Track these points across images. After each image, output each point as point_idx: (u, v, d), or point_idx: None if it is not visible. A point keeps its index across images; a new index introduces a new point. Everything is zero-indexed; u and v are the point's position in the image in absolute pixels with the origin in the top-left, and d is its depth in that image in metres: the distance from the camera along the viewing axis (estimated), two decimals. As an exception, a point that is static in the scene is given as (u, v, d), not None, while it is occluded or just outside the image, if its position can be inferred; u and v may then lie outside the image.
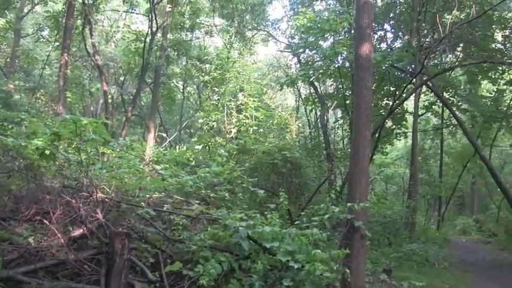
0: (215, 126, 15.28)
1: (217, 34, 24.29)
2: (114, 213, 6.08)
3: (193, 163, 11.64)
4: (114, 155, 8.77)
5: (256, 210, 6.70)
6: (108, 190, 6.34)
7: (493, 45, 18.36)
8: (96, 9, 19.23)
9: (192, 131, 29.19)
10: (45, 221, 5.35)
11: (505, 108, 20.29)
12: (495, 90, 21.02)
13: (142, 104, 27.66)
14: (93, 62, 19.96)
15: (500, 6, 16.98)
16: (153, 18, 19.24)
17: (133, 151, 9.73)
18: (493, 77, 20.15)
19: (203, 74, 21.41)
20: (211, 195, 7.62)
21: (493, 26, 17.82)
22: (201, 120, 16.16)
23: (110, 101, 21.93)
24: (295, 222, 7.56)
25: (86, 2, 17.68)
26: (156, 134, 20.66)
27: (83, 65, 25.10)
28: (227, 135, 14.80)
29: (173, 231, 6.32)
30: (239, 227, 5.66)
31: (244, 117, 14.87)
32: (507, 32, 18.56)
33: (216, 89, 16.45)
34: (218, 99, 15.95)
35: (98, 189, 5.97)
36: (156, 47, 20.79)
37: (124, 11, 25.34)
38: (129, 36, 22.18)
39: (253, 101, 15.10)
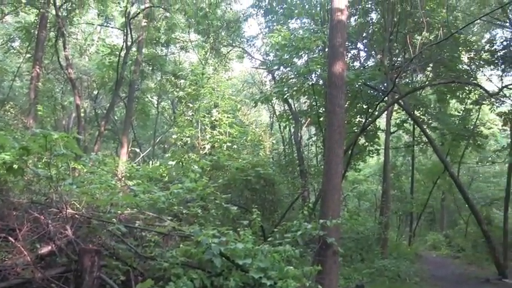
0: (189, 142, 15.20)
1: (193, 50, 24.32)
2: (84, 229, 5.93)
3: (166, 179, 11.53)
4: (85, 170, 8.62)
5: (229, 227, 6.66)
6: (78, 206, 6.21)
7: (460, 66, 18.97)
8: (70, 22, 19.04)
9: (165, 146, 29.00)
10: (10, 238, 5.15)
11: (471, 127, 20.89)
12: (462, 109, 21.61)
13: (116, 118, 27.38)
14: (66, 75, 19.70)
15: (466, 29, 17.60)
16: (128, 32, 19.19)
17: (106, 166, 9.58)
18: (460, 96, 20.82)
19: (178, 89, 21.39)
20: (184, 211, 7.56)
21: (460, 48, 18.44)
22: (174, 136, 16.04)
23: (82, 115, 21.65)
24: (268, 239, 7.56)
25: (60, 14, 17.49)
26: (129, 149, 20.44)
27: (55, 78, 24.75)
28: (201, 151, 14.74)
29: (145, 248, 6.22)
30: (212, 244, 5.62)
31: (218, 133, 14.84)
32: (472, 54, 19.24)
33: (191, 105, 16.40)
34: (192, 114, 15.90)
35: (67, 205, 5.83)
36: (130, 62, 20.68)
37: (99, 25, 25.17)
38: (103, 50, 22.01)
39: (228, 117, 15.12)
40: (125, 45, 19.52)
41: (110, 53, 21.27)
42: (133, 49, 20.50)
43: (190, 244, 5.95)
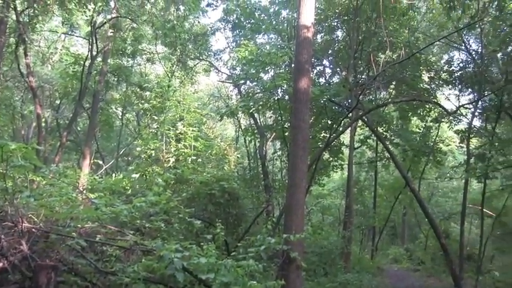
0: (153, 154, 15.03)
1: (159, 62, 24.19)
2: (41, 244, 5.74)
3: (129, 192, 11.36)
4: (45, 182, 8.40)
5: (192, 241, 6.61)
6: (36, 220, 6.02)
7: (421, 85, 19.60)
8: (32, 29, 18.60)
9: (129, 158, 28.55)
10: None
11: (431, 144, 21.51)
12: (423, 126, 22.23)
13: (79, 129, 26.86)
14: (27, 83, 19.20)
15: (426, 50, 18.24)
16: (94, 42, 18.92)
17: (67, 178, 9.37)
18: (421, 114, 21.50)
19: (143, 101, 21.18)
20: (146, 225, 7.44)
21: (421, 68, 19.08)
22: (139, 148, 15.86)
23: (43, 125, 21.13)
24: (232, 253, 7.53)
25: (21, 19, 17.08)
26: (92, 161, 20.03)
27: (14, 86, 24.10)
28: (165, 164, 14.60)
29: (105, 262, 6.09)
30: (174, 258, 5.55)
31: (183, 147, 14.75)
32: (432, 74, 19.93)
33: (156, 117, 16.28)
34: (157, 127, 15.78)
35: (24, 219, 5.64)
36: (95, 72, 20.38)
37: (63, 33, 24.71)
38: (67, 58, 21.59)
39: (193, 130, 15.05)
40: (90, 55, 19.22)
41: (74, 62, 20.88)
42: (99, 59, 20.21)
43: (153, 258, 5.86)
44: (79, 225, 6.38)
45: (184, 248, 6.01)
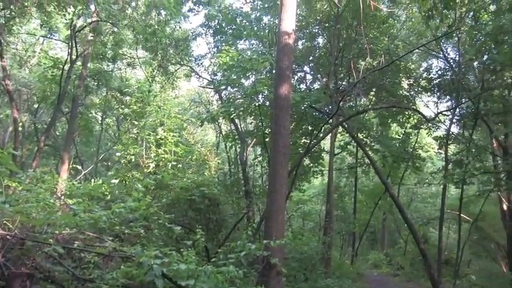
0: (133, 160, 14.89)
1: (140, 66, 24.05)
2: (16, 251, 5.60)
3: (108, 197, 11.22)
4: (21, 187, 8.25)
5: (172, 247, 6.55)
6: (11, 226, 5.89)
7: (401, 92, 19.86)
8: (8, 31, 18.28)
9: (109, 164, 28.27)
10: None
11: (410, 150, 21.79)
12: (403, 133, 22.51)
13: (57, 134, 26.48)
14: (3, 86, 18.87)
15: (405, 58, 18.53)
16: (74, 45, 18.71)
17: (44, 184, 9.21)
18: (400, 120, 21.77)
19: (123, 106, 20.97)
20: (125, 231, 7.36)
21: (400, 75, 19.35)
22: (118, 154, 15.69)
23: (20, 129, 20.76)
24: (212, 260, 7.50)
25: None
26: (71, 166, 19.75)
27: (-10, 89, 23.71)
28: (145, 170, 14.47)
29: (83, 269, 5.99)
30: (153, 265, 5.49)
31: (163, 152, 14.64)
32: (411, 81, 20.23)
33: (136, 122, 16.12)
34: (137, 132, 15.61)
35: (-2, 225, 5.54)
36: (75, 76, 20.14)
37: (42, 36, 24.39)
38: (46, 62, 21.30)
39: (173, 135, 14.96)
40: (69, 59, 19.00)
41: (53, 65, 20.63)
42: (78, 63, 19.99)
43: (132, 265, 5.79)
44: (56, 232, 6.26)
45: (164, 254, 5.95)
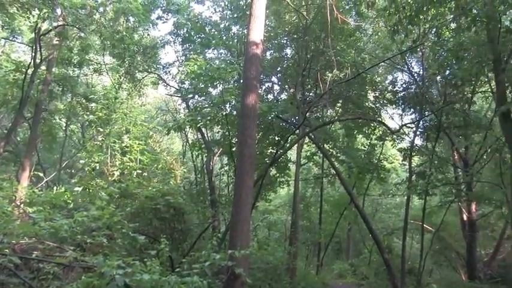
0: (97, 167, 14.64)
1: (107, 73, 23.71)
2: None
3: (71, 206, 10.98)
4: (-23, 195, 7.99)
5: (135, 257, 6.45)
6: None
7: (367, 104, 20.21)
8: (-34, 33, 17.78)
9: (72, 171, 27.65)
10: None
11: (376, 161, 22.14)
12: (368, 144, 22.87)
13: (19, 139, 25.74)
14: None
15: (371, 70, 18.91)
16: (38, 49, 18.29)
17: (2, 191, 8.95)
18: (366, 132, 22.11)
19: (88, 112, 20.61)
20: (88, 240, 7.21)
21: (366, 87, 19.72)
22: (82, 161, 15.43)
23: (-21, 134, 20.15)
24: (176, 270, 7.41)
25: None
26: (32, 173, 19.22)
27: None
28: (110, 178, 14.25)
29: (42, 281, 5.81)
30: (116, 275, 5.39)
31: (128, 160, 14.46)
32: (377, 94, 20.64)
33: (101, 129, 15.89)
34: (102, 139, 15.39)
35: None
36: (38, 80, 19.67)
37: (3, 38, 23.76)
38: (7, 65, 20.75)
39: (139, 143, 14.81)
40: (33, 63, 18.57)
41: (15, 69, 20.09)
42: (43, 67, 19.55)
43: (93, 275, 5.66)
44: (13, 241, 6.07)
45: (127, 264, 5.86)
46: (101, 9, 19.03)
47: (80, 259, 6.19)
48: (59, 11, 18.11)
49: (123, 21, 19.75)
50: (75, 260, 6.15)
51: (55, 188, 15.91)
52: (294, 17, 19.64)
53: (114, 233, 8.20)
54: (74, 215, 7.62)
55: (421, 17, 12.45)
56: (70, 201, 11.45)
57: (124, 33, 18.81)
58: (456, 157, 19.42)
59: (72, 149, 28.63)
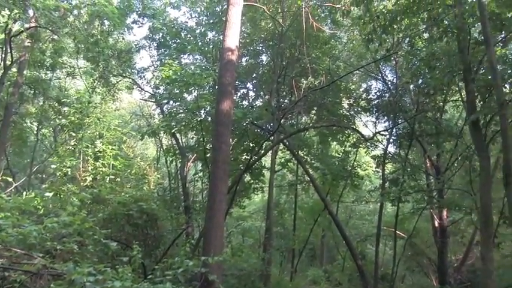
0: (69, 173, 14.39)
1: (80, 76, 23.37)
2: None
3: (41, 212, 10.74)
4: None
5: (107, 264, 6.35)
6: None
7: (341, 111, 20.41)
8: None
9: (43, 176, 27.11)
10: None
11: (349, 168, 22.34)
12: (342, 151, 23.07)
13: (-13, 143, 25.15)
14: None
15: (346, 78, 19.14)
16: (8, 51, 17.91)
17: (-34, 196, 8.71)
18: (340, 139, 22.30)
19: (61, 116, 20.29)
20: (58, 247, 7.06)
21: (341, 95, 19.92)
22: (54, 166, 15.14)
23: None
24: (149, 277, 7.34)
25: None
26: (0, 178, 18.78)
27: None
28: (82, 183, 14.03)
29: (8, 289, 5.68)
30: (86, 282, 5.30)
31: (101, 165, 14.27)
32: (351, 101, 20.87)
33: (74, 134, 15.64)
34: (75, 144, 15.15)
35: None
36: (9, 83, 19.26)
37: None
38: (-25, 66, 20.28)
39: (112, 149, 14.63)
40: (3, 65, 18.17)
41: (-17, 71, 19.66)
42: (13, 69, 19.16)
43: (63, 283, 5.55)
44: (-22, 249, 5.91)
45: (98, 271, 5.76)
46: (75, 11, 18.75)
47: (49, 266, 6.05)
48: (31, 12, 17.79)
49: (98, 25, 19.50)
50: (43, 268, 6.01)
51: (24, 193, 15.58)
52: (270, 24, 19.73)
53: (85, 240, 8.05)
54: (43, 221, 7.46)
55: (394, 26, 12.70)
56: (40, 207, 11.21)
57: (99, 36, 18.57)
58: (428, 164, 19.73)
59: (43, 154, 28.04)
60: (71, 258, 7.00)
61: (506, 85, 11.90)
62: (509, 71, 11.99)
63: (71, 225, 7.69)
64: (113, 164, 14.57)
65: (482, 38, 9.20)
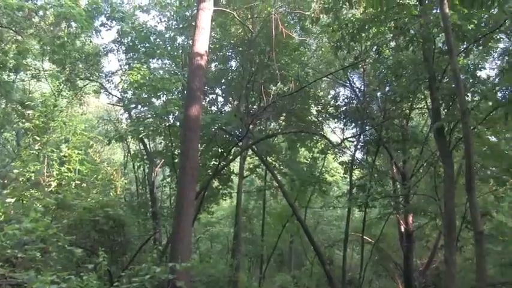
0: (33, 178, 14.01)
1: (45, 79, 22.86)
2: None
3: (1, 218, 10.42)
4: None
5: (72, 271, 6.21)
6: None
7: (309, 118, 20.59)
8: None
9: (5, 182, 26.31)
10: None
11: (318, 174, 22.52)
12: (310, 157, 23.25)
13: None
14: None
15: (314, 85, 19.32)
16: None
17: None
18: (308, 145, 22.47)
19: (24, 120, 19.77)
20: (18, 255, 6.84)
21: (309, 101, 20.09)
22: (16, 171, 14.70)
23: None
24: (115, 284, 7.22)
25: None
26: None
27: None
28: (46, 189, 13.68)
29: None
30: (49, 292, 5.16)
31: (66, 170, 13.95)
32: (320, 108, 21.08)
33: (38, 138, 15.25)
34: (39, 149, 14.77)
35: None
36: (-32, 84, 18.71)
37: None
38: None
39: (78, 153, 14.33)
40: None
41: None
42: (-26, 71, 18.62)
43: (24, 292, 5.40)
44: None
45: (62, 279, 5.61)
46: (41, 12, 18.36)
47: (8, 275, 5.85)
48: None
49: (65, 27, 19.14)
50: (2, 277, 5.81)
51: (-15, 199, 15.08)
52: (240, 30, 19.78)
53: (48, 247, 7.85)
54: (4, 228, 7.23)
55: (362, 34, 12.92)
56: (0, 214, 10.88)
57: (65, 39, 18.22)
58: (395, 170, 20.05)
59: (5, 158, 27.27)
60: (32, 266, 6.80)
61: (468, 94, 12.23)
62: (471, 80, 12.36)
63: (33, 231, 7.47)
64: (78, 169, 14.27)
65: (446, 48, 9.43)
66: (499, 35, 11.67)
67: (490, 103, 10.51)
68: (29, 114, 20.17)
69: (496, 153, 12.26)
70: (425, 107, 17.61)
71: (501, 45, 14.46)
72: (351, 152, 20.88)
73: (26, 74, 23.96)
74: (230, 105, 21.65)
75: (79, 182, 13.97)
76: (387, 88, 17.33)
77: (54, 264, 7.57)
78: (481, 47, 12.30)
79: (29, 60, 22.07)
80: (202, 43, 10.10)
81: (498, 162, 12.74)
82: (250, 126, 15.91)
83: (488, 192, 15.81)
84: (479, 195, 14.03)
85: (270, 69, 18.56)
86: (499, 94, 11.44)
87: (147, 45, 20.03)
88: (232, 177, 21.64)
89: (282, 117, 21.94)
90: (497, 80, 12.33)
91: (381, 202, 18.46)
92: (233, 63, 21.78)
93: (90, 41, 21.63)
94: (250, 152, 21.32)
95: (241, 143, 17.37)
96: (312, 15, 13.07)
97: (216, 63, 21.48)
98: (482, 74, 13.56)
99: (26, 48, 19.98)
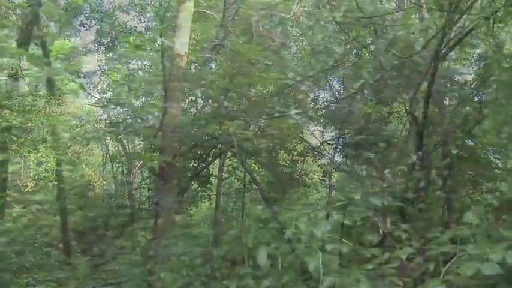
0: (9, 178, 13.83)
1: (23, 78, 22.51)
2: None
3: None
4: None
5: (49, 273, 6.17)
6: None
7: (289, 120, 20.59)
8: None
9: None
10: None
11: (297, 176, 22.58)
12: (290, 160, 23.31)
13: None
14: None
15: (294, 87, 19.38)
16: None
17: None
18: (288, 148, 22.47)
19: (1, 120, 19.48)
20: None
21: (289, 104, 20.11)
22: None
23: None
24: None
25: None
26: None
27: None
28: (23, 189, 13.54)
29: None
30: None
31: (44, 171, 13.82)
32: (299, 110, 21.12)
33: (15, 138, 15.07)
34: (16, 149, 14.59)
35: None
36: None
37: None
38: None
39: (56, 154, 14.21)
40: None
41: None
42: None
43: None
44: None
45: (38, 281, 5.58)
46: (18, 11, 18.13)
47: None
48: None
49: (44, 26, 18.92)
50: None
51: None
52: (220, 32, 19.76)
53: (23, 249, 7.79)
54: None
55: (342, 38, 13.06)
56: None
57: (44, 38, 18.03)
58: (374, 174, 20.21)
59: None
60: (6, 268, 6.74)
61: (446, 98, 12.47)
62: (449, 85, 12.59)
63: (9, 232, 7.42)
64: (56, 170, 14.14)
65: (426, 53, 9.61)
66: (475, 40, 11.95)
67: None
68: (6, 114, 19.90)
69: (473, 158, 12.53)
70: (404, 110, 17.81)
71: (478, 50, 14.78)
72: (330, 155, 21.00)
73: (3, 73, 23.59)
74: (210, 107, 21.61)
75: (56, 183, 13.86)
76: (366, 91, 17.49)
77: (30, 267, 7.50)
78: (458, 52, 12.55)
79: (6, 59, 21.74)
80: (182, 44, 10.11)
81: (475, 166, 13.01)
82: (230, 128, 15.90)
83: (465, 196, 16.10)
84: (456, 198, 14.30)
85: (251, 72, 18.60)
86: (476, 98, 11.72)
87: (127, 45, 19.93)
88: (211, 179, 21.62)
89: (261, 120, 21.97)
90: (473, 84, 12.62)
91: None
92: (213, 65, 21.75)
93: (69, 41, 21.44)
94: (229, 154, 21.31)
95: (220, 145, 17.36)
96: (293, 18, 13.23)
97: (196, 64, 21.44)
98: (459, 78, 13.80)
99: (2, 47, 19.70)
